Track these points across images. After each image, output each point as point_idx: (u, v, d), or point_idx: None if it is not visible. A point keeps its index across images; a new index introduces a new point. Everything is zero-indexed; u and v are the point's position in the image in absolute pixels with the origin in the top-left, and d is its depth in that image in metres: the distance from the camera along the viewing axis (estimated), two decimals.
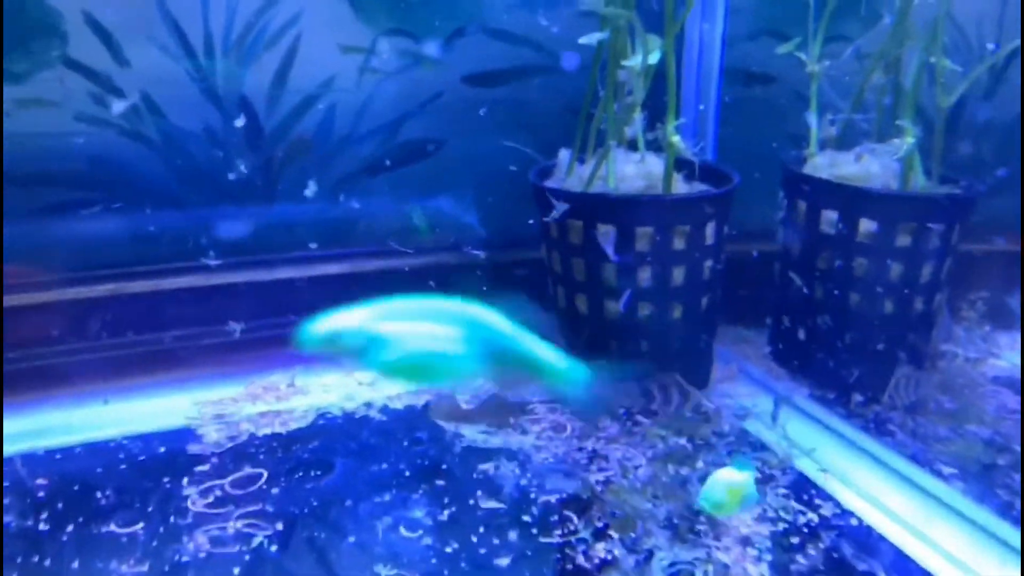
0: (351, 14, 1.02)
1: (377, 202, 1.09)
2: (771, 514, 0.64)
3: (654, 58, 0.68)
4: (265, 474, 0.69)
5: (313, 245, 1.05)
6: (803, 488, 0.69)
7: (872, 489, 0.69)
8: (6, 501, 0.67)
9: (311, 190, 1.04)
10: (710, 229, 0.74)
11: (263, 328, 1.01)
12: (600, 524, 0.63)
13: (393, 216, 1.09)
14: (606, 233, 0.71)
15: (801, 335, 0.83)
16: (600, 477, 0.65)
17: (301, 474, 0.70)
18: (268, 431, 0.79)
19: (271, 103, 1.02)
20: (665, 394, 0.74)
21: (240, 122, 1.01)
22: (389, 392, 0.86)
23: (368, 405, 0.83)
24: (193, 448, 0.76)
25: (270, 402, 0.84)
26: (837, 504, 0.67)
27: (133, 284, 0.98)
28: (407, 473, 0.70)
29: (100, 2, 0.93)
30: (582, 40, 0.74)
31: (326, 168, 1.06)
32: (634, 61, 0.69)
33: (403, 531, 0.62)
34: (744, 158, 0.98)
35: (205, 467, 0.71)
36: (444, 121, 1.07)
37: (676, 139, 0.68)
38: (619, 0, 0.65)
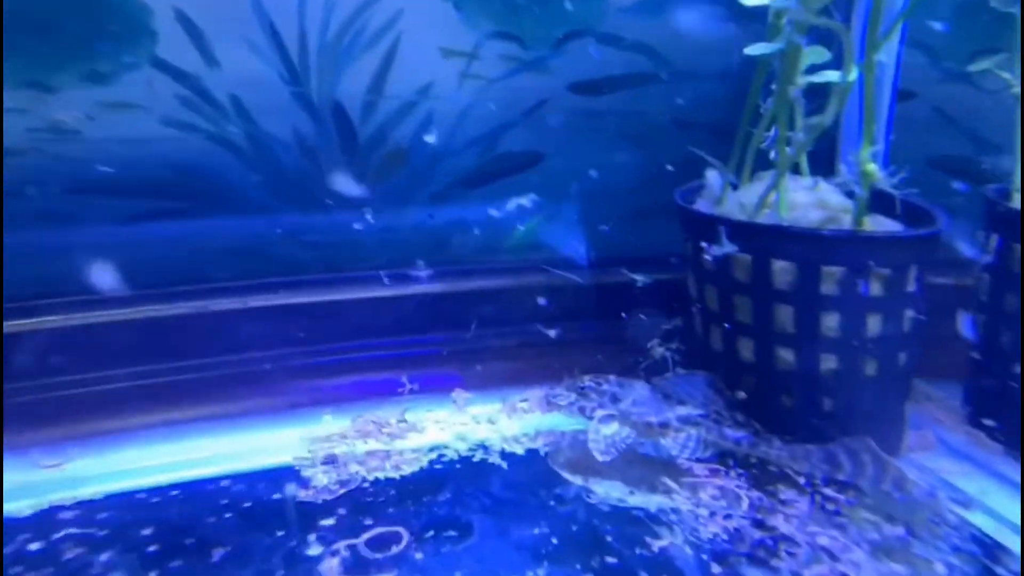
0: (454, 15, 0.95)
1: (474, 216, 1.02)
2: None
3: (853, 75, 0.60)
4: (403, 534, 0.62)
5: (419, 262, 0.98)
6: None
7: None
8: (106, 556, 0.60)
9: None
10: (912, 274, 0.65)
11: (363, 349, 0.95)
12: None
13: (492, 232, 1.02)
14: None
15: (1015, 399, 0.71)
16: (811, 572, 0.57)
17: (435, 534, 0.63)
18: (381, 475, 0.72)
19: (367, 109, 0.95)
20: (856, 462, 0.65)
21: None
22: (506, 432, 0.79)
23: (484, 448, 0.76)
24: (302, 494, 0.69)
25: (381, 440, 0.77)
26: None
27: (221, 301, 0.92)
28: (555, 540, 0.62)
29: None
30: (749, 50, 0.66)
31: (423, 180, 0.99)
32: (833, 77, 0.61)
33: None
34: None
35: (329, 520, 0.64)
36: (548, 131, 1.00)
37: (872, 167, 0.60)
38: (816, 9, 0.57)
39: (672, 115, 1.01)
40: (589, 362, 0.84)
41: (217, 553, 0.61)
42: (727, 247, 0.63)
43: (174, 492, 0.70)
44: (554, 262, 1.01)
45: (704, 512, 0.64)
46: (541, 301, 0.95)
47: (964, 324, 0.61)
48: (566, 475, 0.72)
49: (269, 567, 0.59)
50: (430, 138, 0.89)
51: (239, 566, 0.59)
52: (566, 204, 1.01)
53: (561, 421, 0.80)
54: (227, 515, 0.66)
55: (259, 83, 0.92)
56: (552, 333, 0.92)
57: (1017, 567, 0.59)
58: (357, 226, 0.94)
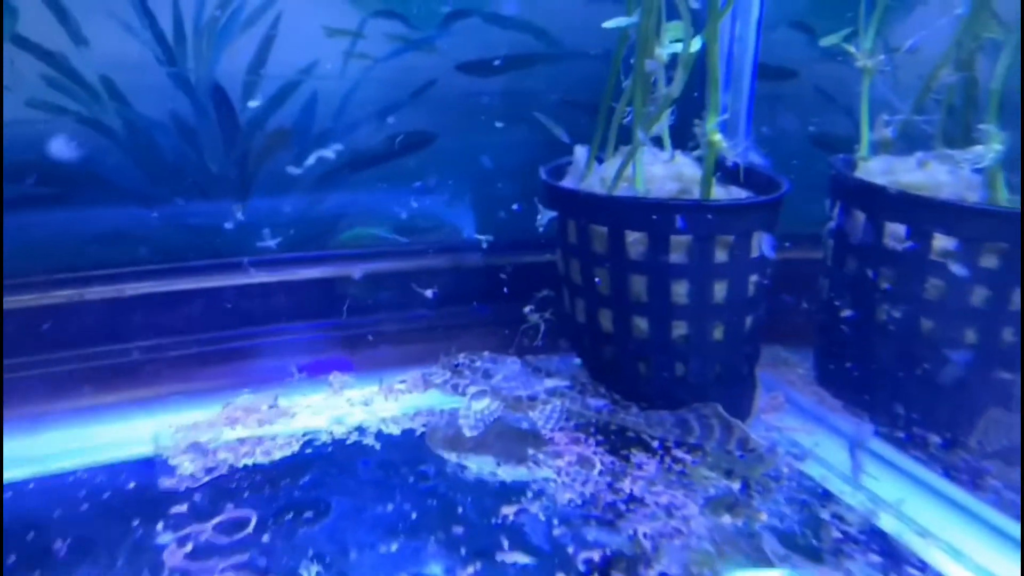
0: None
1: (361, 200, 1.01)
2: None
3: (696, 45, 0.61)
4: (253, 518, 0.61)
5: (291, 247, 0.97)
6: (897, 558, 0.57)
7: (987, 562, 0.57)
8: None
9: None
10: (756, 240, 0.67)
11: (239, 338, 0.93)
12: None
13: (378, 216, 1.01)
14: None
15: (857, 363, 0.75)
16: (647, 528, 0.58)
17: (292, 516, 0.62)
18: (250, 461, 0.70)
19: (247, 90, 0.94)
20: (705, 426, 0.67)
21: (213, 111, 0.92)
22: (383, 413, 0.79)
23: (360, 430, 0.76)
24: (166, 482, 0.67)
25: (251, 426, 0.76)
26: None
27: (95, 290, 0.89)
28: (414, 516, 0.62)
29: None
30: (607, 24, 0.67)
31: (305, 162, 0.98)
32: (674, 49, 0.62)
33: None
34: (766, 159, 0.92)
35: (182, 507, 0.63)
36: (436, 112, 0.99)
37: (718, 137, 0.61)
38: None
39: (560, 95, 1.02)
40: (469, 342, 0.85)
41: (60, 546, 0.59)
42: (549, 212, 0.64)
43: (30, 486, 0.67)
44: (445, 244, 1.00)
45: (563, 479, 0.65)
46: (426, 284, 0.95)
47: (764, 243, 0.63)
48: (441, 452, 0.72)
49: (112, 557, 0.57)
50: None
51: (81, 557, 0.58)
52: (455, 185, 1.01)
53: (438, 400, 0.80)
54: (82, 507, 0.64)
55: (133, 64, 0.89)
56: (435, 315, 0.92)
57: (840, 510, 0.62)
58: (228, 225, 0.92)
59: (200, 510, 0.63)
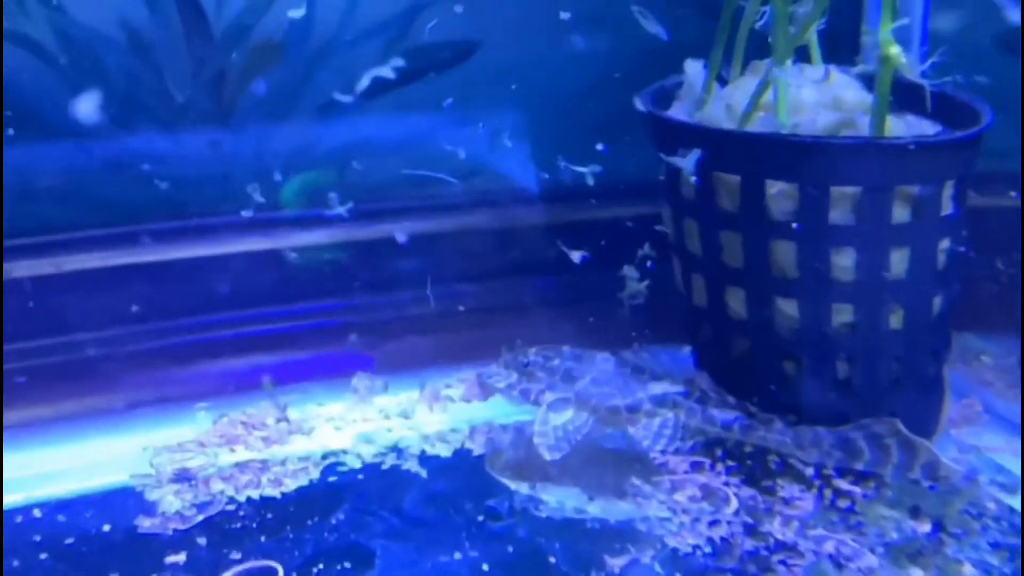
0: None
1: (376, 138, 1.02)
2: None
3: None
4: (279, 571, 0.64)
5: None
6: None
7: None
8: None
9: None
10: (948, 192, 0.68)
11: (222, 326, 0.95)
12: None
13: (400, 157, 1.02)
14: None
15: None
16: None
17: (323, 568, 0.65)
18: (255, 494, 0.73)
19: None
20: (877, 447, 0.68)
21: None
22: (427, 429, 0.81)
23: (398, 451, 0.78)
24: (146, 524, 0.70)
25: (255, 447, 0.78)
26: None
27: (25, 264, 0.92)
28: (486, 567, 0.64)
29: None
30: None
31: (303, 86, 0.99)
32: None
33: None
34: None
35: (178, 557, 0.66)
36: (477, 13, 1.00)
37: (896, 50, 0.62)
38: None
39: None
40: (536, 330, 0.87)
41: None
42: (679, 160, 0.65)
43: None
44: (493, 194, 1.02)
45: (683, 519, 0.67)
46: (473, 249, 0.96)
47: None
48: (507, 482, 0.74)
49: None
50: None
51: None
52: (507, 112, 1.02)
53: (500, 410, 0.82)
54: (41, 556, 0.67)
55: None
56: (484, 293, 0.94)
57: None
58: (214, 152, 0.94)
59: (201, 561, 0.65)
